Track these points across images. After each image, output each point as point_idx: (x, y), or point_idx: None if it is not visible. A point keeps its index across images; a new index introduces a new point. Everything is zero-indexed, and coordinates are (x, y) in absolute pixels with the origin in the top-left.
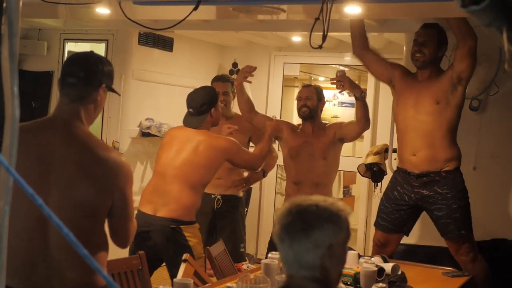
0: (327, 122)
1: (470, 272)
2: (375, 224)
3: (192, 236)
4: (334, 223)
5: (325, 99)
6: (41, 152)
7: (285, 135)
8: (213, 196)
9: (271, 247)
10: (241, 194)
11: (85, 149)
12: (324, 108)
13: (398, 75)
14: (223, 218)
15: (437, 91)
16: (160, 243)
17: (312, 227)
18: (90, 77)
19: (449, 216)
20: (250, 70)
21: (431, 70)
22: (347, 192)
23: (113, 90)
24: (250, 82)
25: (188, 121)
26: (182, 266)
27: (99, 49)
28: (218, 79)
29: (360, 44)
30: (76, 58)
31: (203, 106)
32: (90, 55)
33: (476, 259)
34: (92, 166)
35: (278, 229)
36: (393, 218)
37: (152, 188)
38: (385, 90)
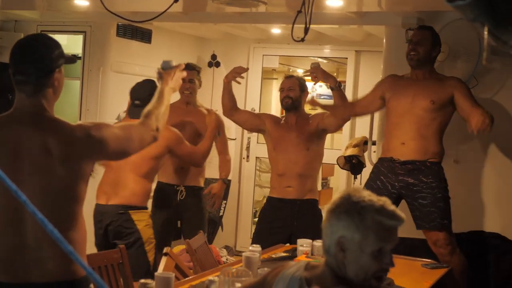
0: (310, 113)
1: (448, 264)
2: None
3: (140, 220)
4: (351, 219)
5: None
6: (11, 146)
7: (268, 127)
8: (176, 188)
9: (256, 239)
10: (202, 184)
11: (52, 135)
12: None
13: (387, 93)
14: (187, 210)
15: (434, 92)
16: (111, 229)
17: (334, 213)
18: (42, 70)
19: (434, 205)
20: (242, 71)
21: (425, 70)
22: (325, 184)
23: (68, 62)
24: (239, 83)
25: (135, 113)
26: (163, 260)
27: (77, 41)
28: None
29: (349, 114)
30: (23, 50)
31: (150, 97)
32: (38, 44)
33: (454, 252)
34: (61, 152)
35: None
36: None
37: (105, 180)
38: (364, 83)
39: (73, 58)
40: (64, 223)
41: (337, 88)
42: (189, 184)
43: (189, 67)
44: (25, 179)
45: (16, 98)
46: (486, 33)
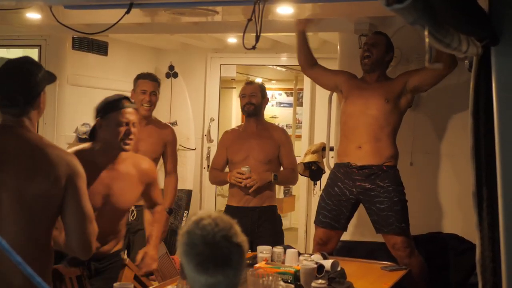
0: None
1: (407, 266)
2: (315, 222)
3: None
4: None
5: None
6: None
7: (229, 146)
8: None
9: None
10: None
11: (37, 148)
12: None
13: (343, 79)
14: (138, 231)
15: (388, 91)
16: None
17: None
18: (30, 96)
19: (391, 209)
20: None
21: (379, 73)
22: (287, 192)
23: (51, 81)
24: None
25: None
26: (122, 271)
27: (32, 54)
28: (145, 76)
29: (308, 62)
30: (11, 78)
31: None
32: (24, 71)
33: (412, 254)
34: (44, 164)
35: None
36: (335, 215)
37: None
38: (322, 90)
39: (54, 76)
40: (35, 234)
41: (276, 179)
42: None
43: (151, 77)
44: (4, 190)
45: (1, 119)
46: (426, 35)
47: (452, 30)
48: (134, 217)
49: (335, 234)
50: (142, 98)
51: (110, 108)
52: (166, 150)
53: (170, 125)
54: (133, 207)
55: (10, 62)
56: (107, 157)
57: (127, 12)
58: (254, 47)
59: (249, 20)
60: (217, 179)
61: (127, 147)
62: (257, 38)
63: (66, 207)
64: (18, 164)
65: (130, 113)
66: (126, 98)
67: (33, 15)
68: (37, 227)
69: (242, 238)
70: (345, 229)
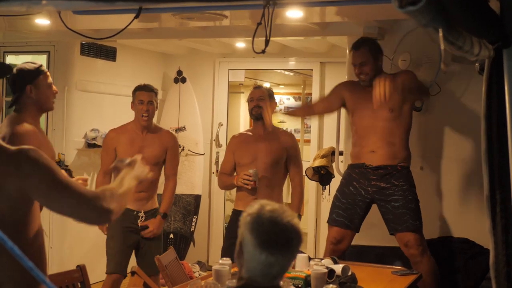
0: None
1: (418, 267)
2: (329, 221)
3: None
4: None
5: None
6: None
7: (236, 149)
8: (135, 213)
9: (224, 254)
10: (157, 204)
11: None
12: None
13: (346, 94)
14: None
15: (391, 100)
16: None
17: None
18: None
19: (405, 207)
20: None
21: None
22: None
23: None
24: None
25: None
26: (131, 279)
27: (41, 60)
28: (141, 88)
29: (312, 113)
30: None
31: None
32: None
33: (425, 253)
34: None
35: None
36: (349, 214)
37: None
38: None
39: (6, 68)
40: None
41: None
42: (148, 208)
43: (147, 88)
44: None
45: None
46: (440, 36)
47: (464, 33)
48: (143, 221)
49: (348, 234)
50: (140, 108)
51: (36, 74)
52: (167, 155)
53: (172, 131)
54: (142, 213)
55: None
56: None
57: (136, 16)
58: (263, 51)
59: (259, 24)
60: (225, 184)
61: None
62: (267, 42)
63: (48, 206)
64: None
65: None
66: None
67: (42, 21)
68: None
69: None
70: (357, 230)
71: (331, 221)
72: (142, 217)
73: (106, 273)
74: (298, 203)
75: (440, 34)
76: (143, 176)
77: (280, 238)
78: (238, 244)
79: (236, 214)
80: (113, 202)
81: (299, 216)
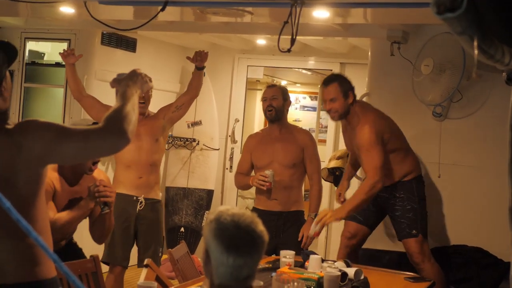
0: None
1: (422, 274)
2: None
3: None
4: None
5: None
6: None
7: (253, 151)
8: (135, 198)
9: None
10: (160, 196)
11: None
12: None
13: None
14: (145, 223)
15: (359, 138)
16: None
17: None
18: None
19: (403, 216)
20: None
21: (349, 119)
22: (307, 196)
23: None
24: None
25: None
26: (144, 271)
27: (61, 48)
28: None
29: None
30: None
31: None
32: None
33: (426, 261)
34: (7, 164)
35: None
36: (364, 212)
37: None
38: None
39: (14, 52)
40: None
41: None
42: (148, 196)
43: None
44: None
45: None
46: (476, 45)
47: (496, 42)
48: (142, 207)
49: (363, 230)
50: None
51: None
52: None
53: (188, 125)
54: (142, 198)
55: None
56: None
57: (162, 9)
58: (289, 50)
59: (285, 22)
60: (241, 184)
61: None
62: (293, 41)
63: (67, 157)
64: None
65: None
66: None
67: (66, 9)
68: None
69: (263, 229)
70: (372, 228)
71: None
72: (141, 202)
73: (104, 262)
74: (316, 202)
75: (475, 42)
76: (146, 87)
77: (245, 240)
78: (204, 253)
79: (256, 212)
80: (123, 121)
81: (316, 216)
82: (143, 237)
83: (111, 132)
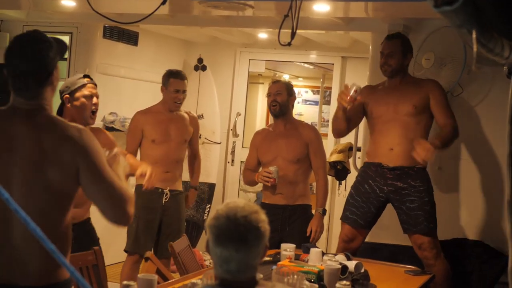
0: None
1: (431, 269)
2: (342, 218)
3: None
4: None
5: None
6: (4, 141)
7: (259, 147)
8: (160, 190)
9: None
10: (182, 187)
11: (47, 134)
12: None
13: (367, 99)
14: (169, 214)
15: (414, 98)
16: None
17: None
18: (43, 77)
19: (421, 208)
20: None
21: (401, 77)
22: (310, 190)
23: (61, 54)
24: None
25: None
26: (145, 265)
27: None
28: (177, 76)
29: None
30: (20, 56)
31: None
32: (35, 48)
33: (438, 256)
34: (54, 150)
35: None
36: (362, 212)
37: None
38: None
39: (64, 46)
40: (50, 223)
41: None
42: (173, 188)
43: (182, 77)
44: (18, 176)
45: (13, 98)
46: (474, 38)
47: (495, 35)
48: (167, 199)
49: (361, 233)
50: (174, 96)
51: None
52: (192, 141)
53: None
54: (167, 190)
55: (18, 40)
56: None
57: (163, 3)
58: (289, 44)
59: (286, 16)
60: (248, 179)
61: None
62: (293, 35)
63: (85, 187)
64: (26, 153)
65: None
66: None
67: (68, 2)
68: (51, 218)
69: (263, 224)
70: (370, 228)
71: (344, 218)
72: (166, 194)
73: (125, 251)
74: (322, 197)
75: (474, 35)
76: (127, 170)
77: (233, 233)
78: (207, 241)
79: (263, 207)
80: (132, 206)
81: (324, 211)
82: (168, 226)
83: (125, 212)
